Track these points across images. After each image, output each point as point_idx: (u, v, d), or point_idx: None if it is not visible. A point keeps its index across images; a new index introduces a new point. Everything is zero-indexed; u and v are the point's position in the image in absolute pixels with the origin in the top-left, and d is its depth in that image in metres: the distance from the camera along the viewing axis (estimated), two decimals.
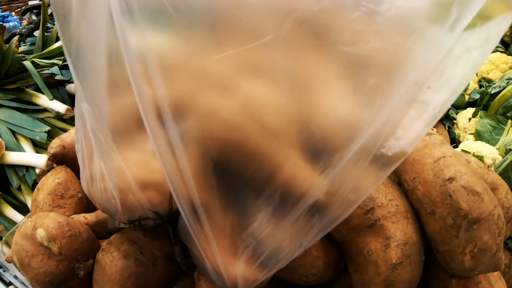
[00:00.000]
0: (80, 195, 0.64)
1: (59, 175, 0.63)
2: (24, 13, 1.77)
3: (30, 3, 1.86)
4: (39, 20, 1.00)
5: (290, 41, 0.36)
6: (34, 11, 1.66)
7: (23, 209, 0.90)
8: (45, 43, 1.08)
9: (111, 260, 0.47)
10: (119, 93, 0.42)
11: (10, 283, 0.81)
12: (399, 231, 0.44)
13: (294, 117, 0.38)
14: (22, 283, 0.76)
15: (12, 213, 0.87)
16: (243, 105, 0.37)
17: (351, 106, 0.37)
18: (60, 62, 0.98)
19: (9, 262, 0.63)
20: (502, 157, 0.73)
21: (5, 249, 0.80)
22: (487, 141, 0.82)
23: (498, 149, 0.75)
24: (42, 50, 1.06)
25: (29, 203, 0.88)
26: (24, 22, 1.73)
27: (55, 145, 0.65)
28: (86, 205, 0.65)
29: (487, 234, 0.40)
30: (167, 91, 0.34)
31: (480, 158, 0.59)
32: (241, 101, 0.37)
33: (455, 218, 0.41)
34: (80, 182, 0.66)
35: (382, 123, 0.35)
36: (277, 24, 0.35)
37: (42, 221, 0.51)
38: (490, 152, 0.71)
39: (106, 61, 0.40)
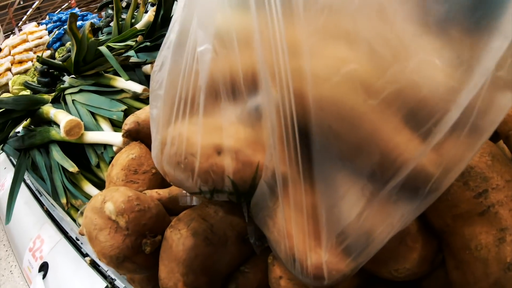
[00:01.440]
0: (154, 170, 0.63)
1: (133, 150, 0.63)
2: (100, 8, 1.92)
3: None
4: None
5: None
6: (109, 6, 1.79)
7: (101, 186, 0.95)
8: (120, 30, 1.14)
9: (179, 237, 0.45)
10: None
11: (87, 254, 0.86)
12: None
13: (388, 79, 0.31)
14: None
15: (91, 189, 0.91)
16: (336, 66, 0.32)
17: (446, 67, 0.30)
18: (134, 43, 1.02)
19: (82, 235, 0.65)
20: None
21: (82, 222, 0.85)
22: None
23: None
24: (118, 34, 1.12)
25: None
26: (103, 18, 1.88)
27: (129, 121, 0.66)
28: (160, 181, 0.64)
29: None
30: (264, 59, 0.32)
31: None
32: (333, 63, 0.32)
33: None
34: None
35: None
36: None
37: (111, 195, 0.50)
38: None
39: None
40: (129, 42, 1.01)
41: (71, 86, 1.07)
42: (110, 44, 1.03)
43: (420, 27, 0.30)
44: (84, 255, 0.89)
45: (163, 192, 0.62)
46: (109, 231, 0.49)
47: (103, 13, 2.12)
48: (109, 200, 0.49)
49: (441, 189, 0.32)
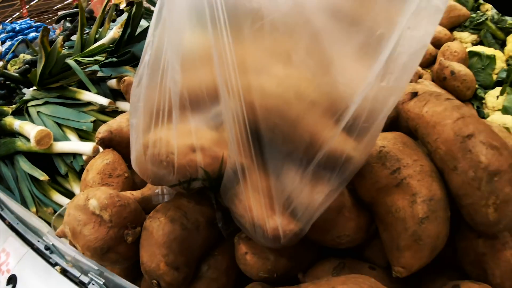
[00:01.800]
0: (126, 174, 0.69)
1: (107, 156, 0.69)
2: (58, 21, 1.91)
3: (59, 13, 2.00)
4: (74, 26, 1.09)
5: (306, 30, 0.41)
6: (67, 18, 1.79)
7: (69, 196, 0.97)
8: (83, 45, 1.17)
9: (158, 224, 0.52)
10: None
11: (56, 264, 0.87)
12: (424, 188, 0.47)
13: (320, 88, 0.42)
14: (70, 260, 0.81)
15: (59, 198, 0.94)
16: (280, 82, 0.42)
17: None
18: (102, 59, 1.06)
19: (60, 236, 0.69)
20: None
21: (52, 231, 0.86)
22: None
23: None
24: (82, 51, 1.15)
25: (75, 189, 0.96)
26: (58, 30, 1.86)
27: (102, 130, 0.72)
28: (132, 184, 0.70)
29: (509, 186, 0.42)
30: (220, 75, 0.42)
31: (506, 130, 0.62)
32: (278, 79, 0.42)
33: (475, 171, 0.43)
34: (126, 164, 0.73)
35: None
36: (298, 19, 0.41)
37: (94, 193, 0.56)
38: None
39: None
40: (98, 57, 1.06)
41: (34, 98, 1.09)
42: (78, 58, 1.06)
43: (340, 49, 0.41)
44: (53, 264, 0.91)
45: (136, 193, 0.68)
46: (93, 225, 0.54)
47: (55, 25, 2.11)
48: (93, 197, 0.55)
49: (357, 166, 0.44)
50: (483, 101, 0.98)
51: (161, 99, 0.50)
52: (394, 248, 0.47)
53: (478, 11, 1.34)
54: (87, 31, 1.38)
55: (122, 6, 1.46)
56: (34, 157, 1.02)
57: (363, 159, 0.46)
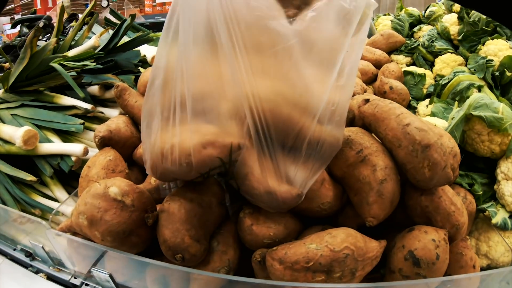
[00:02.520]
0: (126, 171, 0.76)
1: (109, 153, 0.75)
2: (14, 25, 1.82)
3: (16, 17, 1.91)
4: (31, 32, 1.09)
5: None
6: (25, 23, 1.72)
7: (50, 199, 0.96)
8: (56, 50, 1.17)
9: (179, 204, 0.61)
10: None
11: (38, 271, 0.86)
12: (380, 160, 0.64)
13: (299, 96, 0.59)
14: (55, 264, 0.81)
15: (43, 200, 0.92)
16: (273, 90, 0.57)
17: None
18: (93, 64, 1.09)
19: (64, 231, 0.72)
20: None
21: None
22: (440, 119, 1.09)
23: (448, 122, 1.01)
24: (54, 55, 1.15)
25: (56, 193, 0.95)
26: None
27: (102, 129, 0.77)
28: (132, 179, 0.76)
29: (435, 154, 0.62)
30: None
31: None
32: (272, 88, 0.57)
33: (413, 145, 0.62)
34: (124, 160, 0.79)
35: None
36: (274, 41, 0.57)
37: (113, 182, 0.63)
38: (441, 123, 0.97)
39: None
40: (87, 62, 1.08)
41: (5, 101, 1.06)
42: (64, 62, 1.07)
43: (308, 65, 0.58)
44: (35, 272, 0.89)
45: (139, 187, 0.75)
46: (115, 211, 0.61)
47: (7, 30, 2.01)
48: (113, 185, 0.62)
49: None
50: (415, 109, 1.25)
51: (171, 105, 0.60)
52: (364, 204, 0.63)
53: (412, 38, 1.68)
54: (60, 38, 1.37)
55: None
56: (9, 160, 0.99)
57: (338, 141, 0.63)
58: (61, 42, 1.22)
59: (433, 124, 0.75)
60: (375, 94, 1.30)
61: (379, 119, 0.70)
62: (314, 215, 0.69)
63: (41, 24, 1.93)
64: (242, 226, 0.65)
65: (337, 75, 0.58)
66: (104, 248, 0.66)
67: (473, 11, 1.46)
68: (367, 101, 0.76)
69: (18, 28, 2.04)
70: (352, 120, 0.86)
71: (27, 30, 1.70)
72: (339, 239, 0.56)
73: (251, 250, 0.67)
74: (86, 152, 0.95)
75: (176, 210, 0.61)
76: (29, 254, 0.93)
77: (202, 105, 0.59)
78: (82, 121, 1.02)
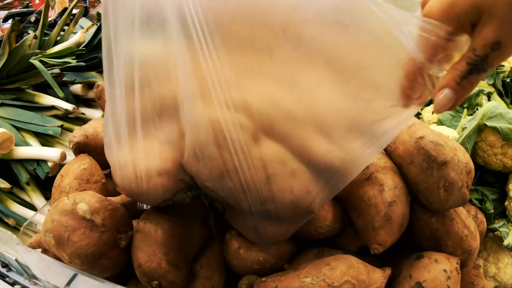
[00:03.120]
0: (103, 180, 0.68)
1: (84, 161, 0.67)
2: (6, 19, 1.74)
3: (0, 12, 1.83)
4: (23, 26, 1.02)
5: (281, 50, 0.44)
6: (16, 18, 1.65)
7: (27, 206, 0.89)
8: (41, 46, 1.09)
9: (156, 224, 0.53)
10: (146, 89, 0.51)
11: (14, 283, 0.80)
12: (389, 179, 0.57)
13: (303, 108, 0.46)
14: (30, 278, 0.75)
15: (19, 208, 0.85)
16: (266, 97, 0.45)
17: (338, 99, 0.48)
18: (74, 62, 1.01)
19: (33, 248, 0.64)
20: None
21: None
22: (448, 127, 1.01)
23: (457, 132, 0.94)
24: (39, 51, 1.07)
25: (34, 200, 0.88)
26: None
27: (78, 134, 0.69)
28: (108, 190, 0.69)
29: (453, 172, 0.54)
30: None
31: None
32: (260, 94, 0.45)
33: (428, 162, 0.55)
34: (101, 170, 0.71)
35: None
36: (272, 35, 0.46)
37: (82, 197, 0.55)
38: (451, 133, 0.90)
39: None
40: (68, 59, 1.00)
41: None
42: (45, 59, 0.99)
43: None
44: (11, 284, 0.83)
45: (116, 199, 0.68)
46: (84, 231, 0.53)
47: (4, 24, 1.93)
48: (82, 201, 0.54)
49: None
50: (420, 116, 1.17)
51: (126, 114, 0.50)
52: (369, 229, 0.55)
53: None
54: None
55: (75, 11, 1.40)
56: None
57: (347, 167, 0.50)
58: (46, 38, 1.14)
59: (446, 136, 0.68)
60: None
61: None
62: (310, 238, 0.61)
63: (32, 18, 1.84)
64: (228, 249, 0.58)
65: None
66: (74, 271, 0.58)
67: None
68: None
69: (9, 22, 1.97)
70: None
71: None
72: (339, 272, 0.48)
73: (237, 273, 0.60)
74: (63, 157, 0.87)
75: (153, 230, 0.53)
76: (5, 265, 0.87)
77: (159, 116, 0.49)
78: (60, 123, 0.94)
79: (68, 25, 1.26)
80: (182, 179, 0.50)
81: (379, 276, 0.53)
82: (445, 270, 0.54)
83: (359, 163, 0.49)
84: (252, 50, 0.44)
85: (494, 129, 0.81)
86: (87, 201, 0.54)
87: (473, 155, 0.90)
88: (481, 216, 0.79)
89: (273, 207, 0.48)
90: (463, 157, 0.63)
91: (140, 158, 0.50)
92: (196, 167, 0.47)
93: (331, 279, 0.47)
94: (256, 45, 0.44)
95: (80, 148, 0.71)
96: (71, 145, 0.70)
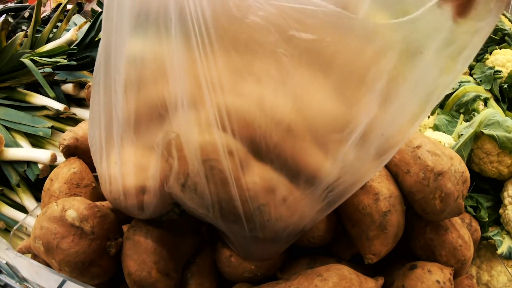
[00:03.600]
0: (94, 184, 0.67)
1: (74, 165, 0.66)
2: None
3: None
4: (17, 22, 1.00)
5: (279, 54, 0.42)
6: (10, 13, 1.62)
7: (18, 208, 0.87)
8: (33, 44, 1.07)
9: (146, 232, 0.52)
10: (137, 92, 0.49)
11: (5, 285, 0.78)
12: (384, 188, 0.56)
13: (296, 114, 0.43)
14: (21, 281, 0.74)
15: (9, 210, 0.83)
16: (256, 103, 0.43)
17: (336, 106, 0.45)
18: (65, 61, 0.98)
19: (23, 253, 0.63)
20: None
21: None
22: (444, 132, 1.01)
23: (453, 138, 0.94)
24: (30, 50, 1.05)
25: (25, 202, 0.86)
26: None
27: (68, 137, 0.68)
28: (99, 194, 0.67)
29: (449, 183, 0.54)
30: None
31: None
32: (253, 100, 0.43)
33: (425, 172, 0.54)
34: (92, 173, 0.70)
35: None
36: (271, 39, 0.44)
37: (71, 204, 0.54)
38: (447, 139, 0.89)
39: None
40: (59, 59, 0.98)
41: None
42: (35, 58, 0.97)
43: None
44: (2, 286, 0.81)
45: (106, 204, 0.66)
46: (73, 238, 0.52)
47: None
48: (70, 208, 0.53)
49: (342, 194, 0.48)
50: None
51: (106, 122, 0.48)
52: (364, 239, 0.55)
53: None
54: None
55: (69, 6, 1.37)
56: None
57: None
58: (38, 35, 1.12)
59: (442, 145, 0.67)
60: None
61: None
62: (303, 246, 0.61)
63: (26, 14, 1.81)
64: (220, 256, 0.57)
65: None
66: (63, 277, 0.57)
67: None
68: None
69: (3, 17, 1.93)
70: None
71: (12, 20, 1.60)
72: (331, 284, 0.48)
73: (229, 280, 0.59)
74: (54, 159, 0.86)
75: (142, 239, 0.52)
76: None
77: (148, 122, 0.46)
78: (50, 124, 0.92)
79: (61, 21, 1.24)
80: (169, 198, 0.48)
81: (372, 286, 0.53)
82: (438, 281, 0.53)
83: (358, 176, 0.48)
84: (247, 52, 0.43)
85: (491, 137, 0.81)
86: (76, 208, 0.53)
87: (469, 162, 0.90)
88: (475, 224, 0.78)
89: (262, 235, 0.46)
90: (459, 166, 0.62)
91: (127, 171, 0.48)
92: (180, 194, 0.45)
93: None
94: (252, 48, 0.43)
95: (70, 151, 0.69)
96: (60, 148, 0.69)
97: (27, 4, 2.14)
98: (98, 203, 0.65)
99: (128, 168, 0.47)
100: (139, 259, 0.51)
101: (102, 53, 0.49)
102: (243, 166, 0.42)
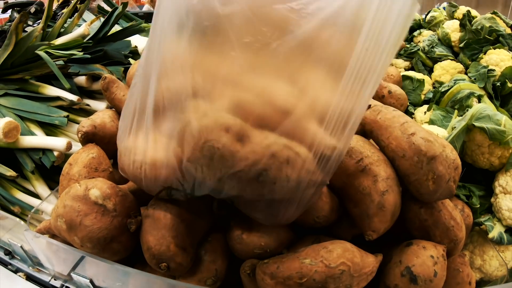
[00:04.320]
0: (110, 169, 0.71)
1: (92, 150, 0.70)
2: (5, 10, 1.75)
3: (10, 0, 1.84)
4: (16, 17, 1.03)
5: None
6: (15, 8, 1.65)
7: (31, 195, 0.91)
8: (44, 37, 1.10)
9: (165, 209, 0.57)
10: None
11: (17, 270, 0.82)
12: (382, 171, 0.61)
13: (301, 99, 0.49)
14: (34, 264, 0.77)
15: (23, 196, 0.87)
16: (260, 93, 0.49)
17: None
18: (80, 54, 1.02)
19: (42, 233, 0.67)
20: None
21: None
22: (439, 127, 1.06)
23: (447, 131, 0.99)
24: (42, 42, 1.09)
25: (38, 189, 0.90)
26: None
27: (86, 124, 0.72)
28: (115, 179, 0.72)
29: (441, 166, 0.59)
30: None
31: None
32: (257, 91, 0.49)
33: (419, 156, 0.59)
34: (109, 157, 0.74)
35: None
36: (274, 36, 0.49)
37: (94, 183, 0.58)
38: (441, 132, 0.94)
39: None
40: (74, 51, 1.01)
41: None
42: (50, 51, 1.00)
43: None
44: (14, 271, 0.85)
45: (123, 187, 0.71)
46: (96, 215, 0.56)
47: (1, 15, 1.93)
48: (94, 187, 0.57)
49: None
50: (413, 115, 1.22)
51: (140, 104, 0.54)
52: (364, 217, 0.60)
53: (411, 43, 1.65)
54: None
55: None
56: None
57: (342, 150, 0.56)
58: (49, 30, 1.15)
59: (436, 134, 0.72)
60: (372, 97, 1.27)
61: (382, 126, 0.67)
62: (308, 226, 0.65)
63: (32, 9, 1.85)
64: (231, 235, 0.61)
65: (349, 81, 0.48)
66: (84, 254, 0.61)
67: (476, 19, 1.44)
68: (368, 106, 0.72)
69: (9, 12, 1.97)
70: None
71: (17, 15, 1.63)
72: (335, 255, 0.52)
73: (239, 258, 0.63)
74: (69, 147, 0.89)
75: (162, 215, 0.56)
76: (8, 252, 0.89)
77: (168, 109, 0.51)
78: (66, 113, 0.96)
79: (70, 17, 1.28)
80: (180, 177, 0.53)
81: (372, 260, 0.57)
82: (432, 256, 0.58)
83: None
84: (258, 48, 0.48)
85: (482, 130, 0.86)
86: (99, 187, 0.57)
87: (462, 153, 0.95)
88: (467, 210, 0.83)
89: (276, 196, 0.51)
90: (451, 153, 0.67)
91: (152, 148, 0.53)
92: (193, 172, 0.50)
93: (328, 261, 0.51)
94: (263, 44, 0.48)
95: (88, 138, 0.73)
96: (79, 135, 0.73)
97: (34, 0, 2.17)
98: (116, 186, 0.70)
99: (154, 145, 0.52)
100: (158, 234, 0.56)
101: (145, 48, 0.55)
102: (242, 136, 0.47)
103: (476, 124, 0.87)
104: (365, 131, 0.71)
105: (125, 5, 1.18)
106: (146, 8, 3.05)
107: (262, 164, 0.48)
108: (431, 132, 0.66)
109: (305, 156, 0.49)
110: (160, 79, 0.51)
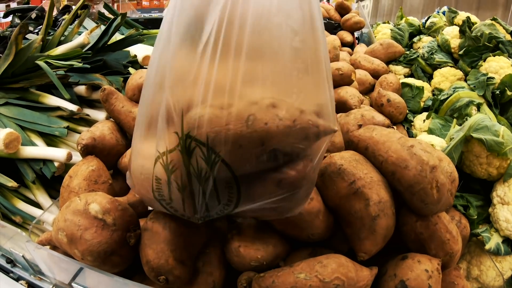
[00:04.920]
0: (110, 181, 0.72)
1: (92, 163, 0.71)
2: (6, 15, 1.76)
3: (12, 5, 1.85)
4: (24, 23, 1.04)
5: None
6: (17, 14, 1.67)
7: (32, 204, 0.92)
8: (45, 46, 1.11)
9: (164, 223, 0.58)
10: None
11: (19, 278, 0.83)
12: (374, 194, 0.61)
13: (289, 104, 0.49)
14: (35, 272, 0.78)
15: (24, 206, 0.88)
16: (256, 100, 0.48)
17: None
18: (80, 64, 1.03)
19: (43, 244, 0.68)
20: None
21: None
22: (438, 136, 1.06)
23: (445, 141, 0.99)
24: (41, 52, 1.10)
25: (39, 198, 0.91)
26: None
27: (86, 136, 0.73)
28: (114, 191, 0.73)
29: (442, 175, 0.60)
30: None
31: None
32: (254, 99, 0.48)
33: (422, 165, 0.60)
34: (109, 169, 0.75)
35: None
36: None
37: (93, 198, 0.59)
38: (439, 142, 0.95)
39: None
40: (73, 62, 1.02)
41: None
42: (50, 61, 1.01)
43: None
44: (16, 279, 0.86)
45: (123, 199, 0.72)
46: (96, 229, 0.57)
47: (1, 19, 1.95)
48: (93, 201, 0.58)
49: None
50: (412, 123, 1.22)
51: (150, 114, 0.53)
52: (356, 239, 0.61)
53: (411, 49, 1.65)
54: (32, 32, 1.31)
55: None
56: None
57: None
58: (49, 37, 1.17)
59: (433, 147, 0.73)
60: (371, 105, 1.28)
61: (379, 141, 0.68)
62: (302, 241, 0.66)
63: (33, 15, 1.86)
64: (229, 247, 0.62)
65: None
66: (84, 266, 0.63)
67: (476, 25, 1.45)
68: (360, 126, 0.74)
69: (10, 18, 1.99)
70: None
71: (18, 21, 1.64)
72: (330, 269, 0.53)
73: (236, 270, 0.64)
74: (69, 157, 0.91)
75: (161, 229, 0.57)
76: (10, 261, 0.90)
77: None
78: (66, 124, 0.97)
79: (70, 24, 1.29)
80: None
81: (367, 274, 0.58)
82: (426, 270, 0.59)
83: None
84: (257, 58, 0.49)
85: (480, 141, 0.86)
86: (98, 202, 0.58)
87: (460, 164, 0.95)
88: (464, 221, 0.84)
89: (274, 143, 0.48)
90: (448, 167, 0.68)
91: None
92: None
93: (323, 275, 0.52)
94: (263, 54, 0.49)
95: (87, 150, 0.74)
96: (79, 147, 0.74)
97: (35, 5, 2.19)
98: (115, 198, 0.71)
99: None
100: (157, 248, 0.57)
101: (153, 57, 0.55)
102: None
103: (474, 135, 0.87)
104: (359, 148, 0.72)
105: (123, 16, 1.18)
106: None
107: (249, 110, 0.47)
108: (428, 144, 0.67)
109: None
110: (171, 88, 0.51)
